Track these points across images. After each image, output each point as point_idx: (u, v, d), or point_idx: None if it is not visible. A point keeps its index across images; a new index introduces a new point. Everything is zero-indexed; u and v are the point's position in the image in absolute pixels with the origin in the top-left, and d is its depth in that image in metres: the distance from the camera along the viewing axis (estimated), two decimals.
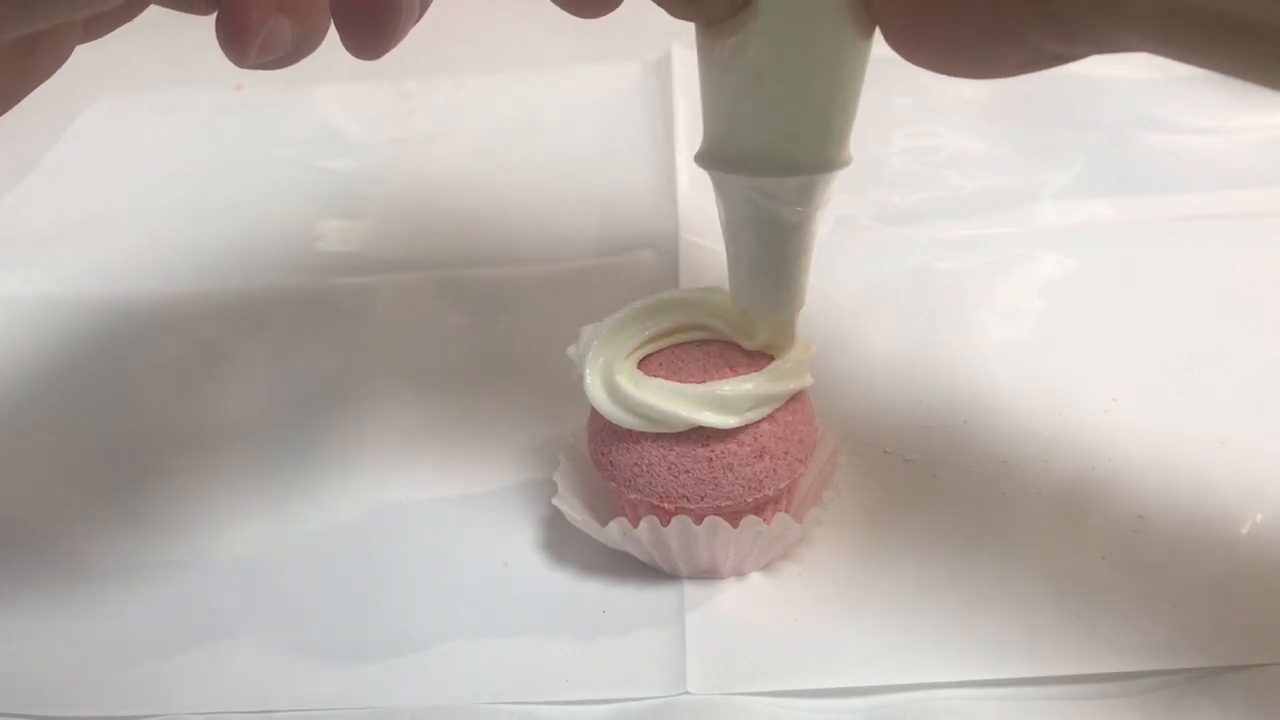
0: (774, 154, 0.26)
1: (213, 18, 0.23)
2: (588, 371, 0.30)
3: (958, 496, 0.35)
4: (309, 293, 0.46)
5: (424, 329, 0.44)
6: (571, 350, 0.31)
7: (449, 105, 0.62)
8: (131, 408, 0.41)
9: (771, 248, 0.28)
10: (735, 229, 0.29)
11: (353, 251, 0.50)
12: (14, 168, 0.58)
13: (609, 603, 0.32)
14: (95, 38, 0.25)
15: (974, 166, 0.52)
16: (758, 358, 0.31)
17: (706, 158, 0.28)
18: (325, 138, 0.60)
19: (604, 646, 0.31)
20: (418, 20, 0.25)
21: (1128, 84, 0.58)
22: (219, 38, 0.23)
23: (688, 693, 0.29)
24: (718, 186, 0.28)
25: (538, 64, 0.64)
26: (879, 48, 0.26)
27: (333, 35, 0.24)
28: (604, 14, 0.26)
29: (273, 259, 0.49)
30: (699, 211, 0.49)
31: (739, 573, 0.32)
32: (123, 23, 0.26)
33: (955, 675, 0.29)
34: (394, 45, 0.24)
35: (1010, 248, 0.46)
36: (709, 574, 0.32)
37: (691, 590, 0.32)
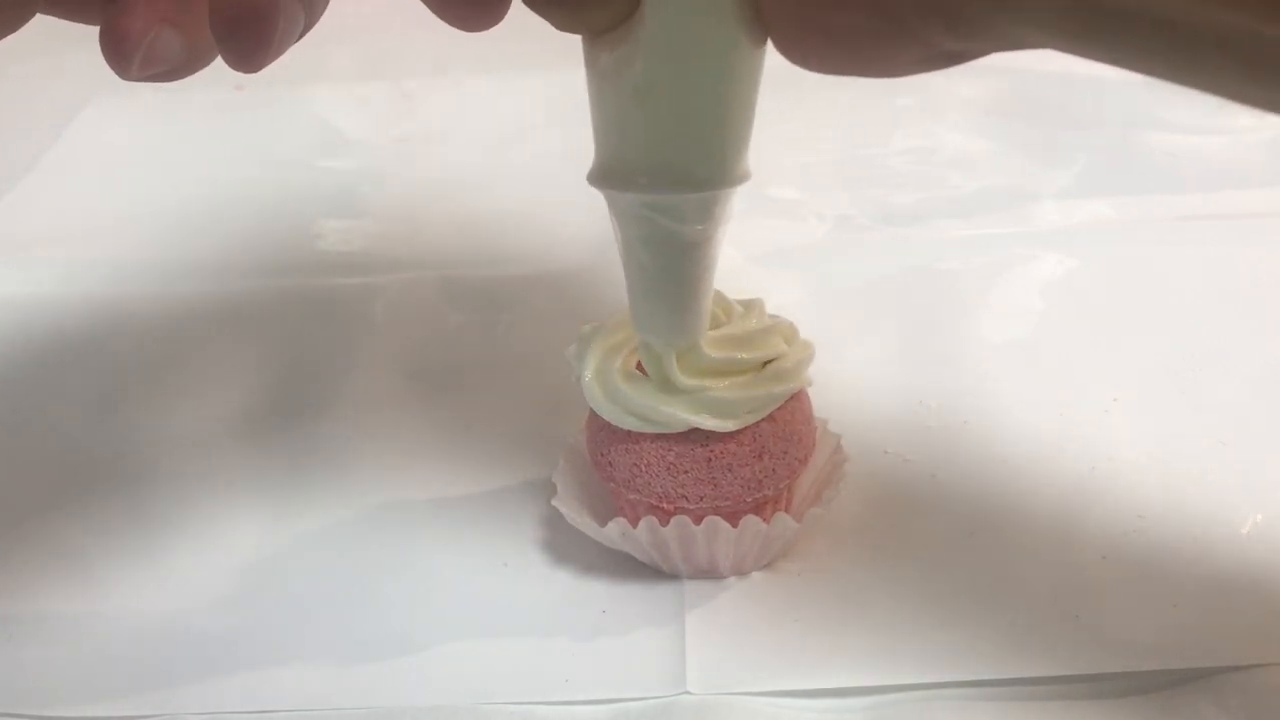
0: (668, 170, 0.25)
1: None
2: (585, 372, 0.30)
3: (958, 496, 0.34)
4: (309, 293, 0.46)
5: (424, 329, 0.44)
6: (570, 351, 0.31)
7: (449, 105, 0.62)
8: (131, 407, 0.41)
9: (670, 270, 0.27)
10: (632, 251, 0.28)
11: (353, 251, 0.50)
12: (14, 168, 0.58)
13: (609, 603, 0.32)
14: None
15: (974, 166, 0.52)
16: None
17: (598, 176, 0.27)
18: (325, 138, 0.60)
19: (604, 646, 0.31)
20: (301, 36, 0.24)
21: (1128, 84, 0.57)
22: (101, 47, 0.22)
23: (688, 693, 0.29)
24: (612, 206, 0.27)
25: (538, 64, 0.64)
26: None
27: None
28: (488, 27, 0.25)
29: (273, 259, 0.49)
30: None
31: (739, 572, 0.32)
32: (3, 35, 0.25)
33: (955, 675, 0.29)
34: (272, 59, 0.23)
35: (1010, 248, 0.46)
36: (709, 574, 0.32)
37: (691, 590, 0.32)
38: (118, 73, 0.23)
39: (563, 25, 0.25)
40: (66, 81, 0.64)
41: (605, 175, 0.27)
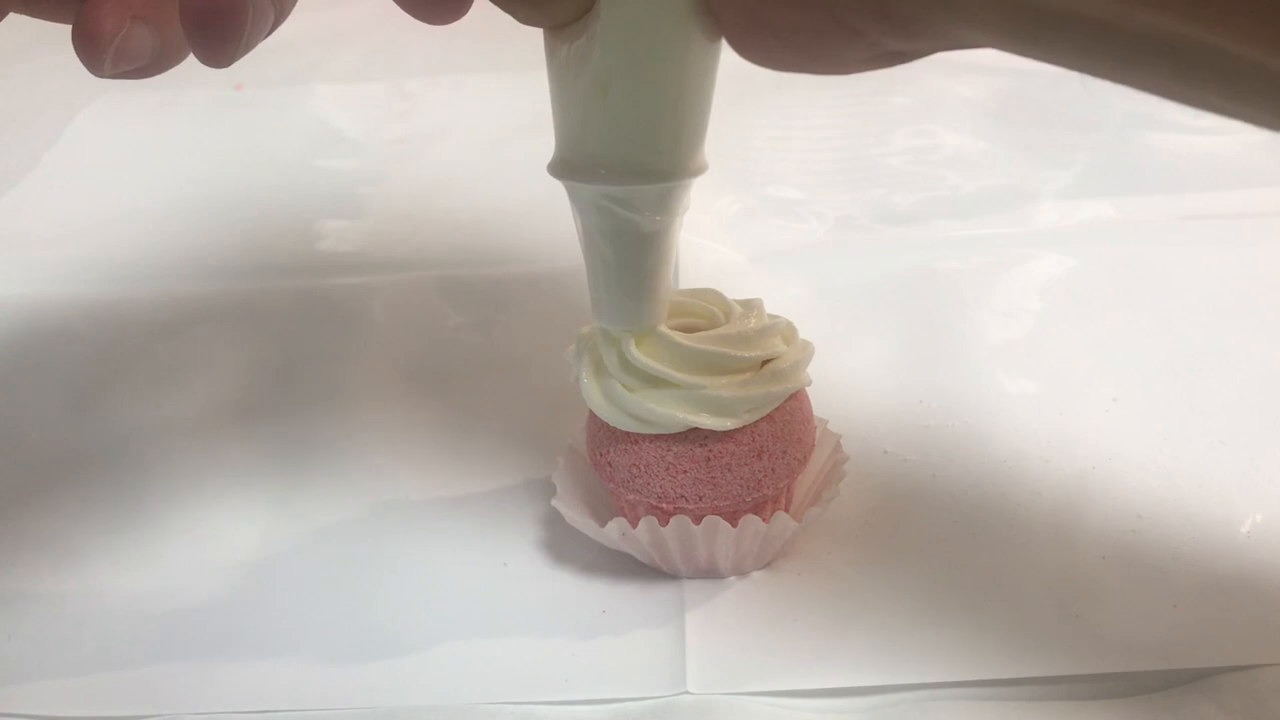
0: (625, 161, 0.26)
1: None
2: (584, 374, 0.30)
3: (958, 496, 0.34)
4: (309, 293, 0.46)
5: (424, 329, 0.44)
6: (569, 351, 0.31)
7: (449, 105, 0.62)
8: (131, 407, 0.41)
9: (628, 259, 0.28)
10: (592, 240, 0.28)
11: (353, 251, 0.50)
12: (14, 168, 0.58)
13: (609, 603, 0.32)
14: None
15: (974, 166, 0.52)
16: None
17: (559, 167, 0.27)
18: (325, 138, 0.60)
19: (604, 646, 0.31)
20: (271, 32, 0.24)
21: None
22: (74, 44, 0.22)
23: (688, 693, 0.29)
24: (572, 197, 0.28)
25: (538, 64, 0.64)
26: None
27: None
28: (450, 20, 0.25)
29: (273, 259, 0.49)
30: (701, 211, 0.49)
31: (739, 572, 0.32)
32: None
33: (955, 675, 0.29)
34: (241, 55, 0.24)
35: (1010, 248, 0.46)
36: (709, 573, 0.32)
37: (691, 590, 0.32)
38: (90, 69, 0.23)
39: (525, 19, 0.25)
40: (66, 81, 0.64)
41: (565, 166, 0.27)
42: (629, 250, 0.28)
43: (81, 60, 0.23)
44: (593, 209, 0.27)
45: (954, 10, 0.21)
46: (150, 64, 0.23)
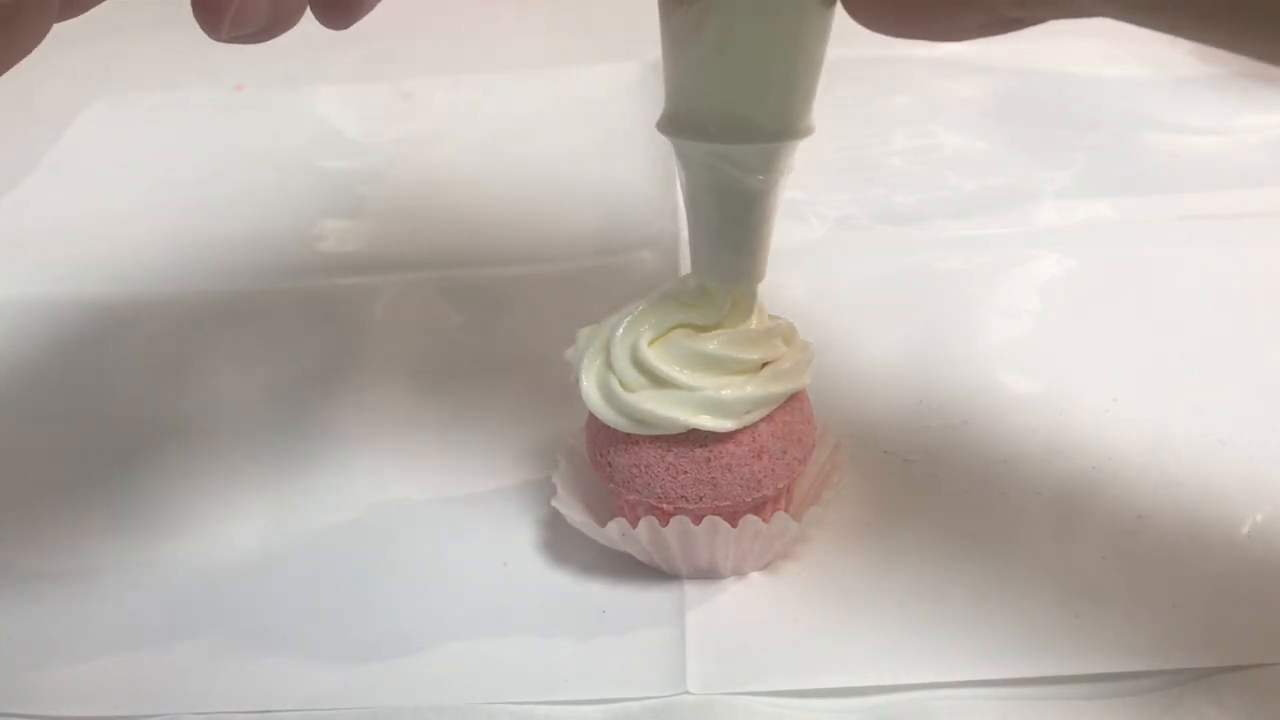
0: (736, 121, 0.27)
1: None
2: (583, 375, 0.30)
3: (958, 496, 0.35)
4: (309, 293, 0.47)
5: (424, 329, 0.44)
6: (569, 353, 0.31)
7: (449, 105, 0.62)
8: (131, 408, 0.41)
9: (733, 217, 0.28)
10: (696, 198, 0.29)
11: (353, 251, 0.50)
12: (14, 168, 0.58)
13: (609, 603, 0.32)
14: (72, 15, 0.25)
15: (974, 166, 0.52)
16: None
17: (669, 124, 0.28)
18: (325, 138, 0.60)
19: (604, 646, 0.31)
20: None
21: (1128, 84, 0.58)
22: (193, 9, 0.23)
23: (688, 693, 0.29)
24: (679, 154, 0.28)
25: (538, 64, 0.64)
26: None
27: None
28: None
29: (273, 259, 0.49)
30: None
31: (739, 572, 0.32)
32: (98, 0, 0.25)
33: (955, 675, 0.29)
34: (361, 16, 0.24)
35: (1010, 248, 0.46)
36: (709, 574, 0.32)
37: (691, 590, 0.32)
38: (209, 34, 0.23)
39: None
40: (66, 81, 0.64)
41: (675, 124, 0.28)
42: (734, 208, 0.28)
43: (200, 24, 0.23)
44: (700, 167, 0.28)
45: None
46: (264, 29, 0.24)
